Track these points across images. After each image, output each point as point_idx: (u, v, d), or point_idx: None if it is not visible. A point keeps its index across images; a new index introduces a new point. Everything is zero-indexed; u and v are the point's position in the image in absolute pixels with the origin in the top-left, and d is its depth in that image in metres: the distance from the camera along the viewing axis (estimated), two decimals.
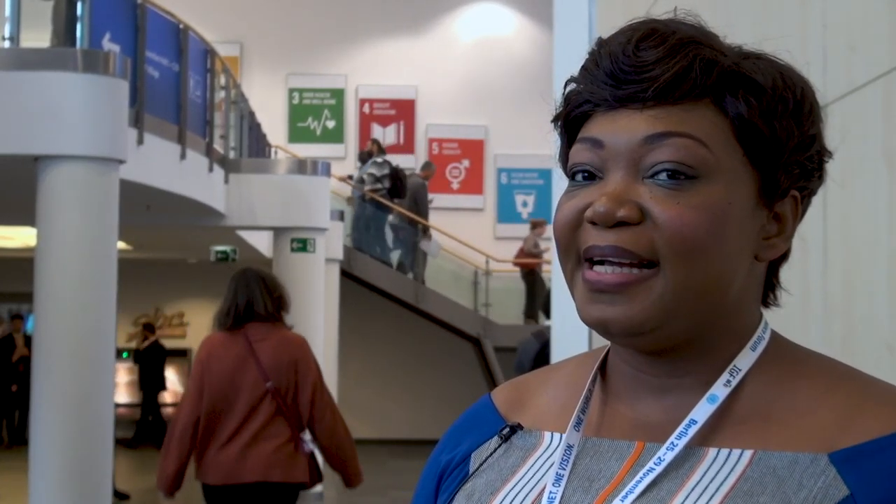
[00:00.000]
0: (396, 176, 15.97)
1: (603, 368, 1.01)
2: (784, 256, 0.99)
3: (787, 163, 0.93)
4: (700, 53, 0.91)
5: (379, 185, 15.75)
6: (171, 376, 17.98)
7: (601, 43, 0.95)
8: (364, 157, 16.48)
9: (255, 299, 4.76)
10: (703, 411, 0.92)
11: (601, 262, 0.91)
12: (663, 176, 0.90)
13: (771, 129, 0.92)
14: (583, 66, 0.96)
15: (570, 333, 2.91)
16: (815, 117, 0.95)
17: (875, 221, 1.56)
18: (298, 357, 4.72)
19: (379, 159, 16.05)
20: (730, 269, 0.91)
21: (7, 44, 8.16)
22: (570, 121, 0.97)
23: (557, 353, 3.11)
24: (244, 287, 4.80)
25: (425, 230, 15.94)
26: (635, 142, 0.91)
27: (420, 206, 15.90)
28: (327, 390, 4.85)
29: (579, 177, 0.94)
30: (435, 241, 16.09)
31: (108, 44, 8.42)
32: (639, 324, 0.90)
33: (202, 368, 4.74)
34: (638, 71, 0.91)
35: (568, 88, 0.97)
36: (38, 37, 8.56)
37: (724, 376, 0.93)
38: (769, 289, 1.00)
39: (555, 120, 1.00)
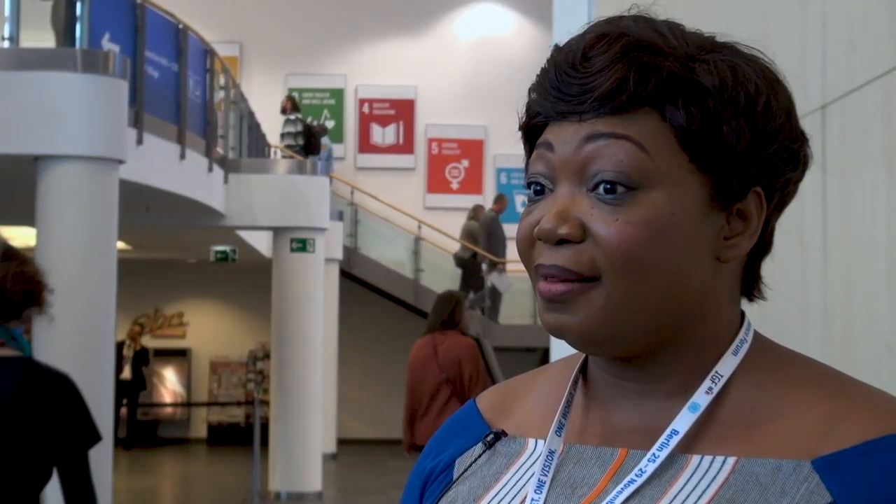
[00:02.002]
0: (310, 133, 15.85)
1: (585, 371, 1.01)
2: (765, 250, 0.97)
3: (741, 164, 0.91)
4: (638, 61, 0.90)
5: (293, 143, 15.62)
6: (171, 376, 17.99)
7: (555, 50, 0.95)
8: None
9: (435, 315, 6.60)
10: (684, 421, 0.91)
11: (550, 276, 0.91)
12: (604, 188, 0.89)
13: (717, 134, 0.89)
14: (537, 75, 0.96)
15: None
16: (773, 112, 0.92)
17: (875, 221, 1.56)
18: (462, 356, 6.42)
19: (292, 116, 15.81)
20: (681, 277, 0.90)
21: (7, 44, 8.16)
22: (530, 131, 0.97)
23: (556, 356, 3.11)
24: (432, 306, 6.82)
25: (494, 264, 15.53)
26: (576, 144, 0.91)
27: (494, 240, 15.50)
28: (483, 379, 6.38)
29: (533, 190, 0.94)
30: (506, 276, 15.68)
31: (107, 44, 8.42)
32: (589, 332, 0.90)
33: (409, 365, 6.63)
34: (580, 84, 0.91)
35: (528, 99, 0.97)
36: (39, 37, 8.56)
37: (706, 383, 0.92)
38: (752, 283, 0.98)
39: (520, 129, 1.00)
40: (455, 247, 16.77)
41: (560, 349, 3.09)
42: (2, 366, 2.64)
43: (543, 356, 15.65)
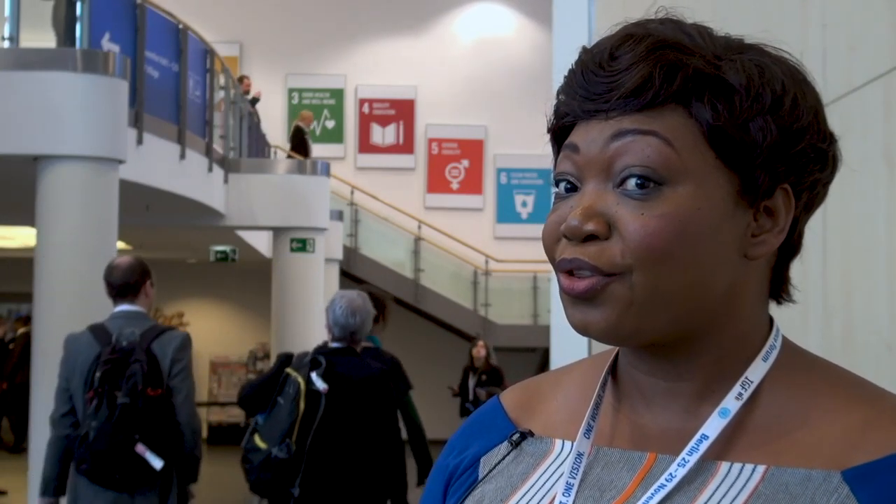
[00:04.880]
0: None
1: (614, 372, 1.01)
2: (793, 251, 0.97)
3: (767, 162, 0.91)
4: (664, 59, 0.90)
5: None
6: None
7: (582, 52, 0.95)
8: None
9: None
10: (714, 426, 0.91)
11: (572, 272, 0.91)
12: (631, 183, 0.89)
13: (743, 132, 0.90)
14: (565, 77, 0.96)
15: (569, 336, 2.91)
16: (800, 111, 0.92)
17: (875, 221, 1.56)
18: None
19: None
20: (708, 272, 0.90)
21: (7, 44, 8.16)
22: (558, 132, 0.98)
23: (556, 356, 3.11)
24: None
25: None
26: (603, 142, 0.91)
27: None
28: None
29: (561, 187, 0.94)
30: None
31: (107, 44, 8.43)
32: (614, 328, 0.90)
33: None
34: (606, 82, 0.91)
35: (556, 101, 0.98)
36: (39, 37, 8.56)
37: (736, 388, 0.92)
38: (780, 285, 0.98)
39: (549, 131, 1.00)
40: (455, 247, 16.76)
41: (560, 350, 3.09)
42: (369, 352, 5.03)
43: (543, 356, 15.65)
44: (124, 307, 4.71)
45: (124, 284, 4.73)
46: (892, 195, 1.50)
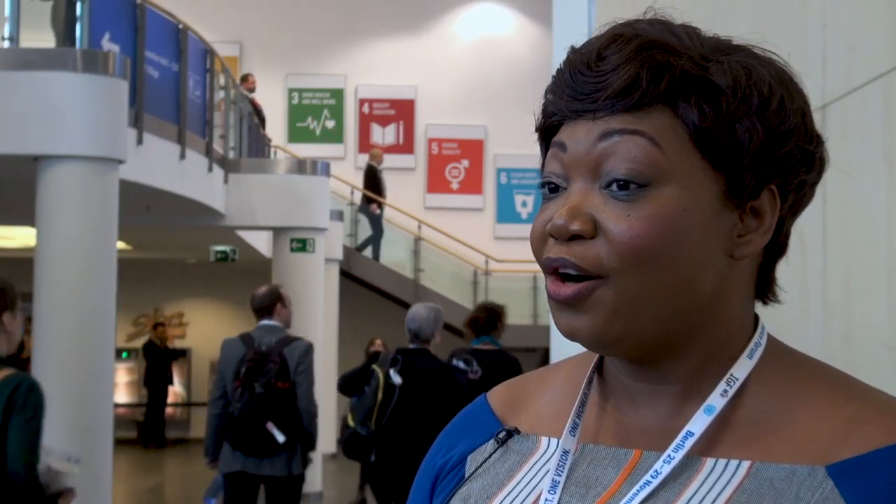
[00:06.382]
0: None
1: (601, 370, 1.01)
2: (779, 252, 0.97)
3: (753, 163, 0.91)
4: (651, 60, 0.90)
5: None
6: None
7: (571, 51, 0.95)
8: None
9: None
10: (700, 423, 0.91)
11: (563, 276, 0.91)
12: (617, 185, 0.89)
13: (729, 133, 0.90)
14: (553, 76, 0.96)
15: None
16: (787, 113, 0.92)
17: (875, 221, 1.56)
18: None
19: None
20: (694, 273, 0.90)
21: (7, 44, 8.16)
22: (546, 131, 0.98)
23: (556, 356, 3.11)
24: None
25: None
26: (590, 142, 0.91)
27: None
28: None
29: (548, 188, 0.95)
30: None
31: (107, 44, 8.43)
32: (601, 333, 0.90)
33: None
34: (594, 82, 0.91)
35: (544, 100, 0.98)
36: (39, 37, 8.56)
37: (721, 386, 0.92)
38: (766, 286, 0.98)
39: (536, 130, 1.00)
40: (455, 247, 16.75)
41: (560, 350, 3.09)
42: (488, 354, 6.33)
43: (543, 356, 15.64)
44: (264, 322, 6.39)
45: (260, 307, 6.49)
46: (892, 195, 1.50)
